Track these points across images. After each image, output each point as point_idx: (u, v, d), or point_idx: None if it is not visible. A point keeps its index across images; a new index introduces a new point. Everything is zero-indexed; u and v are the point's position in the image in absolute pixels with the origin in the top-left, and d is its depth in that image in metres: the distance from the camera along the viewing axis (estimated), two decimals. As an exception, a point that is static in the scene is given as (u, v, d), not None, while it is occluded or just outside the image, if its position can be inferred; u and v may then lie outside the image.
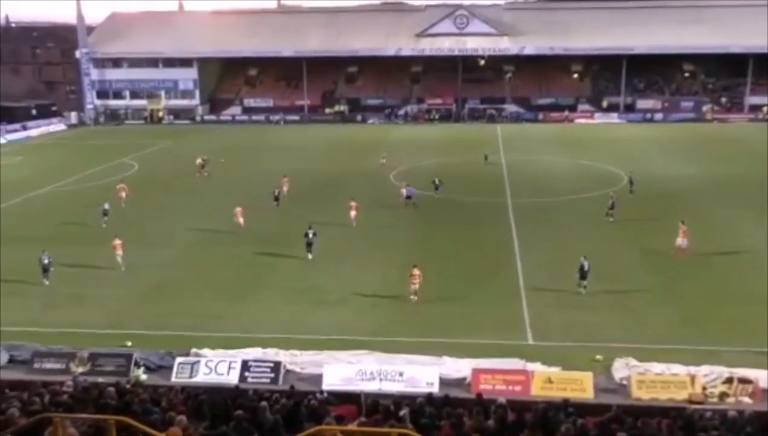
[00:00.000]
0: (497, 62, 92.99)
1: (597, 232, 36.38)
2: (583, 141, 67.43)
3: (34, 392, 16.22)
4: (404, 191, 43.12)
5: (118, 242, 32.83)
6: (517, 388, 20.54)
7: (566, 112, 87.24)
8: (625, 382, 20.61)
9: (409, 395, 18.58)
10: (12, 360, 23.27)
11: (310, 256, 33.18)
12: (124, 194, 42.89)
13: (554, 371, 21.06)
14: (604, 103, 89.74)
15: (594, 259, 30.67)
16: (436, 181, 45.96)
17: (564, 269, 30.73)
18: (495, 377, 20.87)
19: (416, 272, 27.74)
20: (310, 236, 33.40)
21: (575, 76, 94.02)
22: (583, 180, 48.89)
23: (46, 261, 30.95)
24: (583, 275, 28.50)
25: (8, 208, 44.08)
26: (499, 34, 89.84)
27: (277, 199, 42.39)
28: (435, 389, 20.13)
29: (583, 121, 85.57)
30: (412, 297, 27.65)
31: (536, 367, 21.30)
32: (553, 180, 49.57)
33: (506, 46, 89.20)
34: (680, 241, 32.01)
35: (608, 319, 25.61)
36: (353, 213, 37.69)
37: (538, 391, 20.31)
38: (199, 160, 54.89)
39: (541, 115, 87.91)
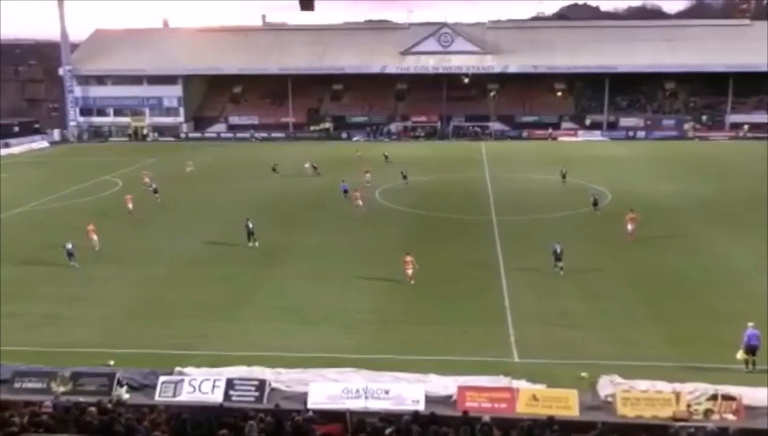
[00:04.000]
0: (481, 80, 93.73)
1: (582, 249, 36.51)
2: (567, 159, 67.90)
3: (13, 412, 16.00)
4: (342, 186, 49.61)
5: (92, 227, 37.57)
6: (503, 405, 20.48)
7: (550, 130, 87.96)
8: (610, 399, 20.61)
9: (395, 413, 18.52)
10: (-8, 380, 22.93)
11: (256, 244, 37.42)
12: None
13: (539, 388, 21.03)
14: (588, 121, 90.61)
15: (579, 277, 30.87)
16: (403, 172, 54.50)
17: (549, 287, 30.88)
18: (481, 395, 20.80)
19: (409, 258, 31.10)
20: (250, 226, 37.72)
21: (559, 94, 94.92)
22: (568, 197, 49.21)
23: (69, 246, 34.80)
24: (557, 257, 32.14)
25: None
26: (483, 53, 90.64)
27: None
28: (421, 406, 20.04)
29: (566, 138, 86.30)
30: (410, 281, 31.00)
31: (521, 384, 21.24)
32: (538, 197, 49.84)
33: (490, 64, 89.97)
34: (630, 227, 37.32)
35: (593, 336, 25.66)
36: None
37: (523, 408, 20.25)
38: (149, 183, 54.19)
39: (525, 133, 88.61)
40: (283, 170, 61.29)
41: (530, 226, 41.98)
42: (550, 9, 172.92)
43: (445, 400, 20.96)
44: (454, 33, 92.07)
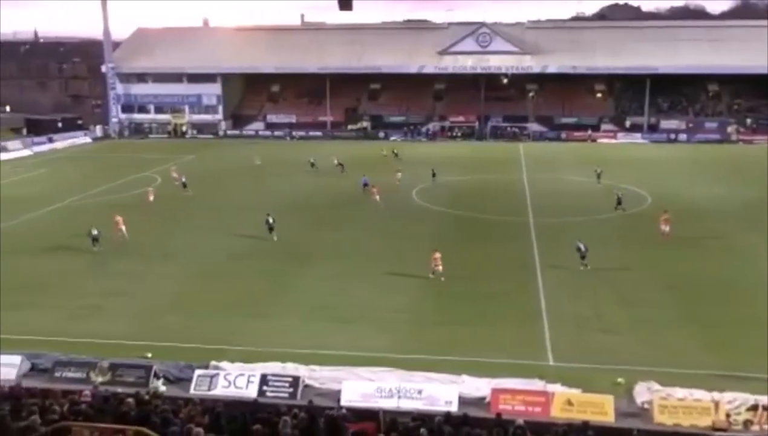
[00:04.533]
0: (520, 81, 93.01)
1: (620, 252, 36.06)
2: (606, 161, 67.05)
3: (53, 401, 16.33)
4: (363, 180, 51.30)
5: (119, 218, 38.77)
6: (537, 409, 20.29)
7: (589, 132, 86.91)
8: (647, 406, 20.29)
9: (428, 413, 18.47)
10: (33, 369, 23.47)
11: (275, 237, 38.50)
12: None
13: (575, 393, 20.78)
14: (628, 123, 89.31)
15: (617, 281, 30.47)
16: (434, 170, 55.54)
17: (586, 290, 30.53)
18: (514, 398, 20.64)
19: (437, 255, 31.65)
20: (270, 221, 38.92)
21: (598, 95, 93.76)
22: (606, 200, 48.55)
23: (95, 233, 36.91)
24: (582, 255, 32.63)
25: (32, 220, 44.71)
26: (522, 53, 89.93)
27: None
28: (454, 407, 19.96)
29: (606, 140, 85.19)
30: (440, 278, 31.42)
31: (556, 388, 21.03)
32: (576, 199, 49.29)
33: (529, 64, 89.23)
34: (664, 228, 37.33)
35: (630, 342, 25.28)
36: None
37: (557, 413, 20.05)
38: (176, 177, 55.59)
39: (563, 135, 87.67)
40: (319, 168, 61.72)
41: (568, 228, 41.50)
42: (591, 9, 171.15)
43: (478, 402, 20.84)
44: (492, 33, 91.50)
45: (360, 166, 63.21)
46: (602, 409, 19.97)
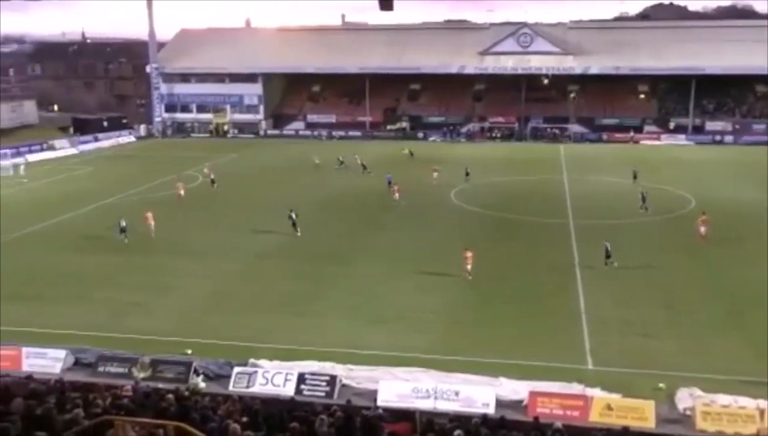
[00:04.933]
0: (561, 81, 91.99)
1: (662, 255, 35.43)
2: (649, 163, 66.00)
3: (97, 395, 16.66)
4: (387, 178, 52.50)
5: (149, 214, 40.51)
6: (575, 413, 20.06)
7: (632, 133, 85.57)
8: (689, 412, 19.90)
9: (464, 415, 18.39)
10: (77, 363, 24.01)
11: (298, 232, 39.68)
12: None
13: (614, 397, 20.50)
14: (672, 125, 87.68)
15: (659, 284, 29.97)
16: (467, 169, 56.29)
17: (627, 293, 30.09)
18: (553, 401, 20.44)
19: (468, 254, 31.93)
20: (293, 217, 40.08)
21: (642, 96, 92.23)
22: (650, 203, 47.75)
23: (123, 224, 39.03)
24: (608, 254, 33.06)
25: (78, 217, 45.72)
26: (563, 53, 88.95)
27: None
28: (491, 410, 19.86)
29: (649, 142, 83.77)
30: (468, 276, 31.71)
31: (596, 392, 20.76)
32: (617, 201, 48.55)
33: (571, 65, 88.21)
34: (702, 230, 37.35)
35: (672, 346, 24.83)
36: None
37: (597, 417, 19.80)
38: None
39: (605, 136, 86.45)
40: (348, 166, 62.20)
41: (608, 230, 40.87)
42: (634, 9, 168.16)
43: (516, 404, 20.69)
44: (534, 33, 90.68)
45: (396, 167, 63.30)
46: (643, 414, 19.65)
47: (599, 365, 23.50)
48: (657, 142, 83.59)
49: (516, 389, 21.20)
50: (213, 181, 54.56)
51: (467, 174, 56.49)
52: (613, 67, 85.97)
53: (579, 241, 38.48)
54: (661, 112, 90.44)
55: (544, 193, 52.04)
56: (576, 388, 21.10)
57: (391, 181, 51.55)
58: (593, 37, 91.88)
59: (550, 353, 24.12)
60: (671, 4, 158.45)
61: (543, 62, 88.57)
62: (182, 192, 50.06)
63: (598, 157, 70.52)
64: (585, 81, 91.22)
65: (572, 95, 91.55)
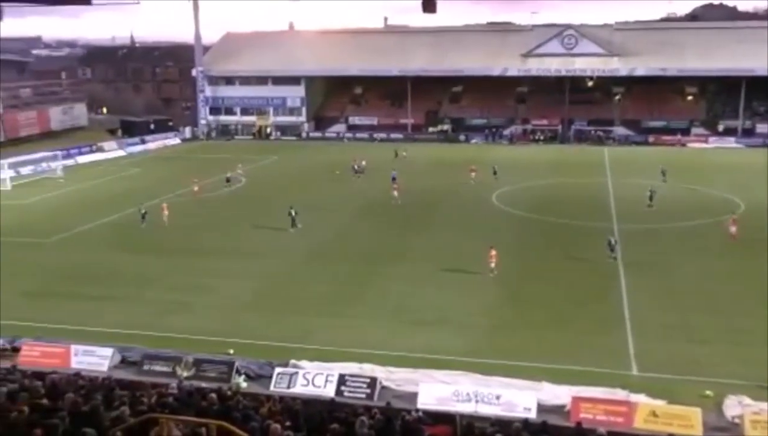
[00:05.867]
0: (606, 83, 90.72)
1: (708, 260, 34.68)
2: (696, 166, 64.67)
3: (143, 393, 16.97)
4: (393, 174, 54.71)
5: (165, 205, 44.39)
6: (619, 420, 19.74)
7: (678, 136, 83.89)
8: (737, 421, 19.43)
9: (505, 420, 18.24)
10: (124, 361, 24.51)
11: (299, 227, 41.34)
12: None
13: (660, 404, 20.12)
14: (720, 127, 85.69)
15: (705, 289, 29.35)
16: (495, 168, 57.50)
17: (672, 298, 29.53)
18: (596, 407, 20.16)
19: (493, 252, 32.66)
20: (293, 213, 41.55)
21: (689, 98, 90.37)
22: (695, 206, 46.83)
23: (143, 211, 43.56)
24: (611, 248, 34.35)
25: (124, 217, 46.63)
26: (609, 55, 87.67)
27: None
28: (532, 414, 19.66)
29: (696, 145, 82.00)
30: (491, 274, 32.35)
31: (640, 399, 20.42)
32: (663, 205, 47.63)
33: (616, 66, 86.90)
34: (732, 229, 37.82)
35: (719, 353, 24.28)
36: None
37: (641, 424, 19.47)
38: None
39: (651, 139, 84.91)
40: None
41: (654, 234, 40.27)
42: (682, 9, 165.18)
43: (558, 409, 20.46)
44: (578, 35, 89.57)
45: (437, 169, 63.24)
46: (689, 422, 19.26)
47: (643, 370, 23.11)
48: (705, 145, 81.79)
49: (558, 394, 20.97)
50: (228, 180, 56.64)
51: (495, 173, 57.35)
52: (660, 68, 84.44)
53: (623, 245, 37.84)
54: (709, 114, 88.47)
55: (588, 197, 51.34)
56: (620, 394, 20.79)
57: (395, 178, 53.41)
58: (640, 38, 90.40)
59: (592, 358, 23.79)
60: (721, 4, 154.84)
61: (588, 64, 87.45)
62: (197, 188, 52.81)
63: (644, 161, 69.23)
64: (631, 83, 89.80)
65: (617, 97, 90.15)
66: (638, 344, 25.04)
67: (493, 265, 32.55)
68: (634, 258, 35.31)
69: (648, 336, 25.77)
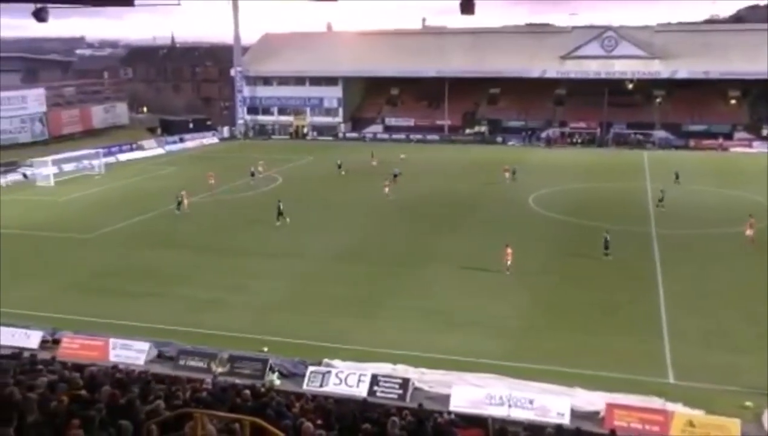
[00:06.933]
0: (646, 86, 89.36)
1: (749, 267, 33.92)
2: (739, 171, 63.34)
3: (179, 387, 17.18)
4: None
5: (184, 193, 47.84)
6: (655, 428, 19.44)
7: (720, 140, 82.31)
8: (777, 432, 19.00)
9: (538, 425, 18.09)
10: (160, 355, 24.87)
11: (287, 220, 43.09)
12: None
13: (697, 414, 19.74)
14: (765, 131, 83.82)
15: (745, 297, 28.76)
16: (514, 169, 58.36)
17: (712, 306, 28.98)
18: (631, 414, 19.87)
19: (509, 250, 33.16)
20: (281, 206, 43.54)
21: (732, 102, 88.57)
22: (737, 212, 45.83)
23: (180, 199, 47.14)
24: (606, 245, 35.25)
25: (162, 215, 47.33)
26: (649, 57, 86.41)
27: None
28: (566, 420, 19.47)
29: (739, 149, 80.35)
30: (507, 271, 32.96)
31: (677, 408, 20.07)
32: (704, 211, 46.81)
33: (657, 69, 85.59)
34: (748, 232, 38.02)
35: (760, 363, 23.63)
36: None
37: (677, 434, 19.14)
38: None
39: (692, 143, 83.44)
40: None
41: (694, 241, 39.54)
42: (726, 11, 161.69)
43: (592, 416, 20.22)
44: (618, 36, 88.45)
45: (473, 170, 62.96)
46: (728, 432, 18.88)
47: (680, 378, 22.71)
48: (748, 150, 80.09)
49: (592, 400, 20.71)
50: (252, 174, 59.22)
51: (513, 173, 58.12)
52: (703, 71, 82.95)
53: (662, 250, 37.30)
54: (753, 118, 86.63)
55: (626, 201, 50.65)
56: (656, 402, 20.47)
57: (397, 175, 56.57)
58: (682, 40, 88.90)
59: (628, 365, 23.46)
60: (767, 5, 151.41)
61: (628, 66, 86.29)
62: (212, 181, 54.12)
63: (684, 165, 67.95)
64: (672, 86, 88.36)
65: (658, 100, 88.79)
66: (675, 351, 24.62)
67: (508, 262, 33.09)
68: (672, 263, 34.75)
69: (686, 343, 25.33)
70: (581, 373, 22.61)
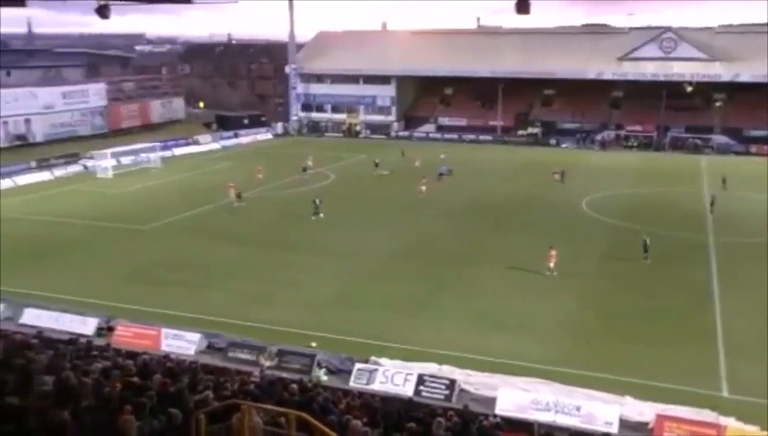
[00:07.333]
0: (706, 89, 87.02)
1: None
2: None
3: (227, 378, 17.48)
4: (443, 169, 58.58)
5: (231, 184, 49.95)
6: (706, 442, 18.96)
7: (784, 146, 79.62)
8: (836, 452, 18.34)
9: (585, 432, 17.85)
10: (210, 347, 25.34)
11: (321, 215, 44.20)
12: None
13: (752, 430, 19.18)
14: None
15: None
16: (564, 172, 58.12)
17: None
18: (681, 427, 19.42)
19: (553, 252, 33.39)
20: (317, 202, 44.80)
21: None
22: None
23: (239, 192, 49.50)
24: (645, 248, 34.92)
25: (217, 209, 48.16)
26: (710, 59, 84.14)
27: None
28: (614, 429, 19.16)
29: (804, 156, 77.58)
30: (550, 273, 33.04)
31: (730, 422, 19.53)
32: (764, 219, 45.35)
33: (718, 72, 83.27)
34: None
35: (820, 378, 22.91)
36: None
37: (730, 448, 18.63)
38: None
39: (753, 148, 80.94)
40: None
41: (754, 250, 38.35)
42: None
43: (641, 426, 19.86)
44: (678, 38, 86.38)
45: (526, 173, 62.35)
46: (783, 449, 18.30)
47: (735, 393, 22.08)
48: (814, 157, 77.23)
49: (642, 410, 20.32)
50: (304, 169, 61.92)
51: (562, 175, 58.37)
52: (766, 74, 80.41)
53: (719, 259, 36.32)
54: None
55: (682, 207, 49.45)
56: (708, 415, 19.95)
57: (443, 174, 58.02)
58: (744, 42, 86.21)
59: (680, 376, 22.92)
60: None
61: (687, 69, 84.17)
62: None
63: (745, 171, 66.09)
64: (733, 89, 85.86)
65: (718, 104, 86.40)
66: (730, 364, 23.97)
67: (552, 265, 33.11)
68: (730, 273, 33.82)
69: (742, 356, 24.62)
70: (631, 381, 22.20)
